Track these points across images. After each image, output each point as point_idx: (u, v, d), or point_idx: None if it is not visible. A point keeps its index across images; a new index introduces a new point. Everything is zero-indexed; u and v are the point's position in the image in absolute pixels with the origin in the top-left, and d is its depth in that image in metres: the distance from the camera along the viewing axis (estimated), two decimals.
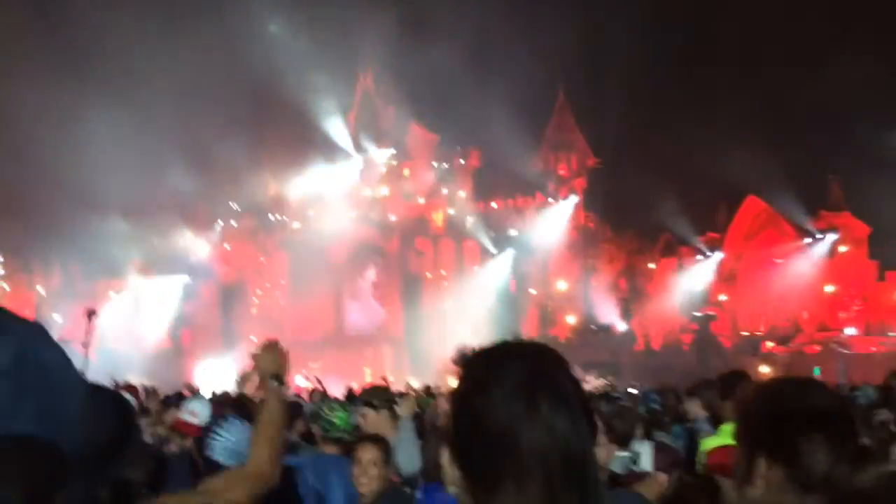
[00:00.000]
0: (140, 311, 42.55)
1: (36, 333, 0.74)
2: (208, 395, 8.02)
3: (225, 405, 5.24)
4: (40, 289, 43.53)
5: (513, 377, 1.10)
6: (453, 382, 1.21)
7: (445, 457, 2.77)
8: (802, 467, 1.56)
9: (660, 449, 3.48)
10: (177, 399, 7.65)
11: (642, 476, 3.35)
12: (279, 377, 2.35)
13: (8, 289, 43.33)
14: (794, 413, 1.61)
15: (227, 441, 3.12)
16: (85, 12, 35.27)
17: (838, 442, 1.58)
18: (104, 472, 1.63)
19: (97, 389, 1.89)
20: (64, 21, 35.55)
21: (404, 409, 4.55)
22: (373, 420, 4.24)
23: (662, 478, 3.36)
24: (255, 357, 2.40)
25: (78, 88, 34.86)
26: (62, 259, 40.72)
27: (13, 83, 34.23)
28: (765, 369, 31.83)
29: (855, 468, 1.61)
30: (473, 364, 1.17)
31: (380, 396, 4.55)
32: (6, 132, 34.87)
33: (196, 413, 4.44)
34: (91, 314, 12.77)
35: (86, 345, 11.90)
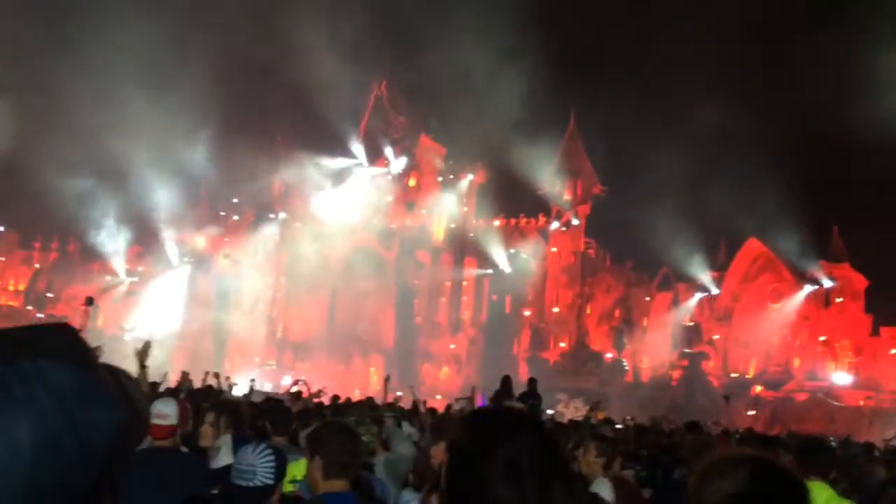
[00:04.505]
0: (138, 297, 42.51)
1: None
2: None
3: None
4: (37, 265, 43.44)
5: (522, 451, 1.11)
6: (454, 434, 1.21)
7: None
8: None
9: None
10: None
11: None
12: None
13: (3, 259, 43.18)
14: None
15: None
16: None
17: None
18: None
19: None
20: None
21: None
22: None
23: None
24: None
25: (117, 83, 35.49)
26: (61, 237, 40.63)
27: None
28: (751, 413, 31.74)
29: None
30: (481, 426, 1.17)
31: (365, 413, 4.49)
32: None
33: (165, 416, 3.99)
34: (90, 301, 12.72)
35: (81, 331, 11.86)
